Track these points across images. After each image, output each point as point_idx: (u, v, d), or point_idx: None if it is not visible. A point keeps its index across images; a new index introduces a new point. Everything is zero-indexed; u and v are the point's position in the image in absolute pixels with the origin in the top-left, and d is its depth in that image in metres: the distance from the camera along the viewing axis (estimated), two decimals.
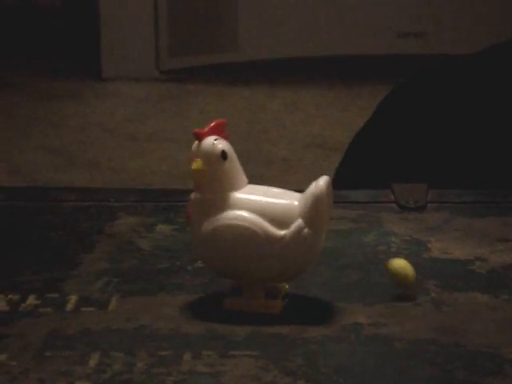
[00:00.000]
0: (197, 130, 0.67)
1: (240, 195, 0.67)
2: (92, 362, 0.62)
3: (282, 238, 0.66)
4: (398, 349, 0.65)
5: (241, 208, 0.67)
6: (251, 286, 0.68)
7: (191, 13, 2.94)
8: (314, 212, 0.66)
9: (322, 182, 0.66)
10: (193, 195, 0.68)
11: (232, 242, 0.66)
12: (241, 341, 0.65)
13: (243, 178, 0.68)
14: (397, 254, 0.78)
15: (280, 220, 0.66)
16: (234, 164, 0.68)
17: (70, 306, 0.69)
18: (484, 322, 0.68)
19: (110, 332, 0.66)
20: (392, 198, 0.88)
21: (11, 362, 0.62)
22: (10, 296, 0.70)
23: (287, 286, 0.70)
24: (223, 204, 0.67)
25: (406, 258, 0.78)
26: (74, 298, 0.70)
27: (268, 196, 0.67)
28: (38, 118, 2.61)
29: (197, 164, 0.66)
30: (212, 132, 0.67)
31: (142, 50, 2.92)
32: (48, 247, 0.79)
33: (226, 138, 0.68)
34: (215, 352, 0.64)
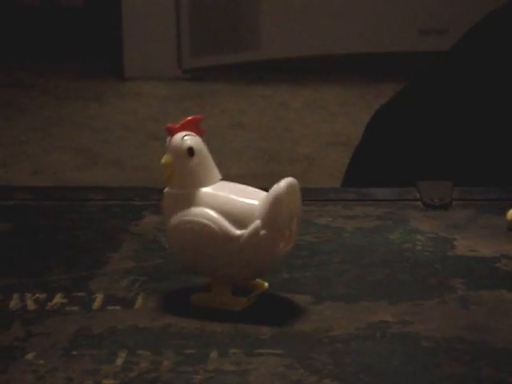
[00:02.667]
0: (168, 125, 0.68)
1: (205, 192, 0.68)
2: (119, 361, 0.62)
3: (239, 237, 0.67)
4: (424, 347, 0.64)
5: (204, 205, 0.67)
6: (219, 282, 0.69)
7: (213, 12, 2.95)
8: (271, 214, 0.66)
9: (283, 184, 0.66)
10: (165, 189, 0.69)
11: (192, 239, 0.67)
12: (267, 339, 0.65)
13: (214, 174, 0.69)
14: (422, 252, 0.78)
15: (240, 219, 0.67)
16: (203, 160, 0.68)
17: (96, 305, 0.70)
18: (510, 319, 0.68)
19: (136, 330, 0.66)
20: (417, 195, 0.88)
21: (39, 361, 0.63)
22: (37, 295, 0.71)
23: (266, 284, 0.71)
24: (189, 200, 0.68)
25: (432, 255, 0.78)
26: (100, 297, 0.71)
27: (234, 194, 0.68)
28: (62, 118, 2.63)
29: (165, 159, 0.68)
30: (184, 128, 0.68)
31: (164, 50, 2.93)
32: (74, 246, 0.79)
33: (200, 134, 0.69)
34: (241, 350, 0.64)
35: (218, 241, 0.67)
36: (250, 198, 0.68)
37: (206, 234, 0.67)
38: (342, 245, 0.79)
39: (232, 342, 0.65)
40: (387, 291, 0.72)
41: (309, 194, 0.89)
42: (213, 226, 0.67)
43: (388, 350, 0.64)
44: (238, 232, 0.67)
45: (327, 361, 0.62)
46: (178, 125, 0.68)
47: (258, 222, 0.66)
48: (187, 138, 0.68)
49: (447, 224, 0.83)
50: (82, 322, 0.67)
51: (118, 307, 0.69)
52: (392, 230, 0.82)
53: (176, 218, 0.68)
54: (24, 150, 2.44)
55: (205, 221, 0.67)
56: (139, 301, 0.70)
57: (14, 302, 0.70)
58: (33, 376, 0.61)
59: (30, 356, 0.63)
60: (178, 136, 0.68)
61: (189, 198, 0.68)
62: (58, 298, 0.70)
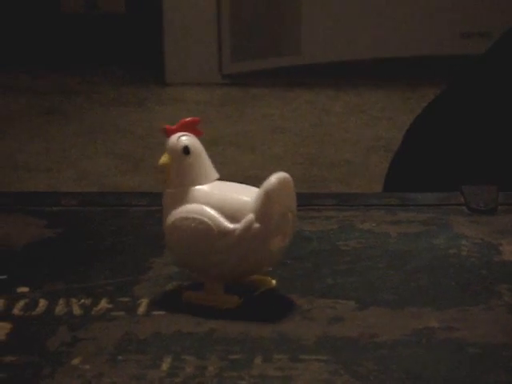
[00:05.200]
0: (166, 126, 0.70)
1: (200, 189, 0.69)
2: (164, 366, 0.63)
3: (233, 231, 0.67)
4: (470, 353, 0.64)
5: (199, 201, 0.69)
6: (211, 281, 0.69)
7: (253, 17, 2.95)
8: (263, 207, 0.67)
9: (274, 177, 0.67)
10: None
11: (188, 235, 0.68)
12: (311, 344, 0.65)
13: (211, 173, 0.70)
14: (468, 258, 0.77)
15: (235, 215, 0.68)
16: (199, 160, 0.70)
17: (141, 310, 0.70)
18: None
19: (181, 335, 0.66)
20: (462, 200, 0.87)
21: (85, 366, 0.63)
22: (82, 300, 0.71)
23: (274, 282, 0.71)
24: (184, 197, 0.69)
25: (477, 261, 0.77)
26: (145, 302, 0.71)
27: (229, 192, 0.69)
28: (105, 124, 2.65)
29: (163, 159, 0.69)
30: (181, 129, 0.70)
31: (205, 55, 2.94)
32: (119, 251, 0.79)
33: (198, 135, 0.70)
34: (286, 356, 0.64)
35: (212, 236, 0.68)
36: (244, 195, 0.69)
37: (201, 230, 0.68)
38: (386, 250, 0.79)
39: (276, 347, 0.65)
40: (432, 297, 0.71)
41: (352, 199, 0.89)
42: (207, 221, 0.68)
43: (434, 357, 0.63)
44: (232, 226, 0.67)
45: (372, 367, 0.62)
46: (175, 126, 0.70)
47: (251, 215, 0.67)
48: (183, 138, 0.70)
49: (493, 229, 0.82)
50: (127, 327, 0.68)
51: (162, 312, 0.70)
52: (436, 235, 0.81)
53: (172, 216, 0.69)
54: (68, 155, 2.46)
55: (199, 217, 0.68)
56: (183, 306, 0.70)
57: (59, 308, 0.70)
58: (79, 381, 0.61)
59: (76, 361, 0.63)
60: (175, 136, 0.70)
61: (185, 196, 0.69)
62: (104, 304, 0.71)
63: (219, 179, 0.71)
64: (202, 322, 0.68)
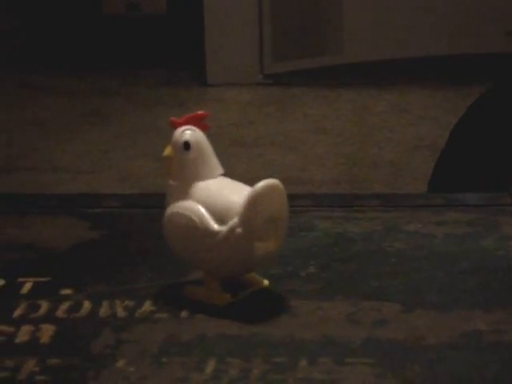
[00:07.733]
0: (172, 119, 0.70)
1: (197, 186, 0.69)
2: (208, 369, 0.62)
3: (217, 233, 0.68)
4: None
5: (194, 198, 0.69)
6: (209, 277, 0.70)
7: (295, 16, 2.94)
8: (247, 213, 0.67)
9: (261, 184, 0.67)
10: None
11: (180, 230, 0.70)
12: (356, 348, 0.64)
13: (213, 169, 0.70)
14: None
15: (223, 215, 0.68)
16: (201, 155, 0.70)
17: (184, 313, 0.70)
18: None
19: (224, 338, 0.66)
20: (509, 200, 0.86)
21: (129, 368, 0.63)
22: (126, 302, 0.71)
23: (266, 282, 0.71)
24: (182, 192, 0.70)
25: None
26: (188, 305, 0.71)
27: (224, 191, 0.69)
28: (146, 126, 2.66)
29: (166, 151, 0.70)
30: (187, 122, 0.70)
31: (246, 55, 2.93)
32: (161, 254, 0.79)
33: (204, 129, 0.70)
34: (331, 359, 0.63)
35: (198, 235, 0.68)
36: (237, 196, 0.68)
37: (190, 228, 0.69)
38: (431, 252, 0.77)
39: (321, 350, 0.64)
40: (480, 299, 0.70)
41: (396, 200, 0.88)
42: (196, 220, 0.68)
43: (482, 360, 0.62)
44: (218, 228, 0.68)
45: (419, 370, 0.61)
46: (182, 119, 0.70)
47: (235, 220, 0.67)
48: (186, 133, 0.70)
49: None
50: (171, 329, 0.67)
51: (205, 315, 0.69)
52: (484, 236, 0.80)
53: (170, 209, 0.70)
54: (109, 157, 2.47)
55: (190, 214, 0.69)
56: (226, 309, 0.70)
57: (103, 310, 0.70)
58: (124, 383, 0.61)
59: (120, 363, 0.63)
60: (179, 130, 0.70)
61: (182, 191, 0.70)
62: (147, 306, 0.71)
63: (223, 175, 0.70)
64: (245, 325, 0.67)
